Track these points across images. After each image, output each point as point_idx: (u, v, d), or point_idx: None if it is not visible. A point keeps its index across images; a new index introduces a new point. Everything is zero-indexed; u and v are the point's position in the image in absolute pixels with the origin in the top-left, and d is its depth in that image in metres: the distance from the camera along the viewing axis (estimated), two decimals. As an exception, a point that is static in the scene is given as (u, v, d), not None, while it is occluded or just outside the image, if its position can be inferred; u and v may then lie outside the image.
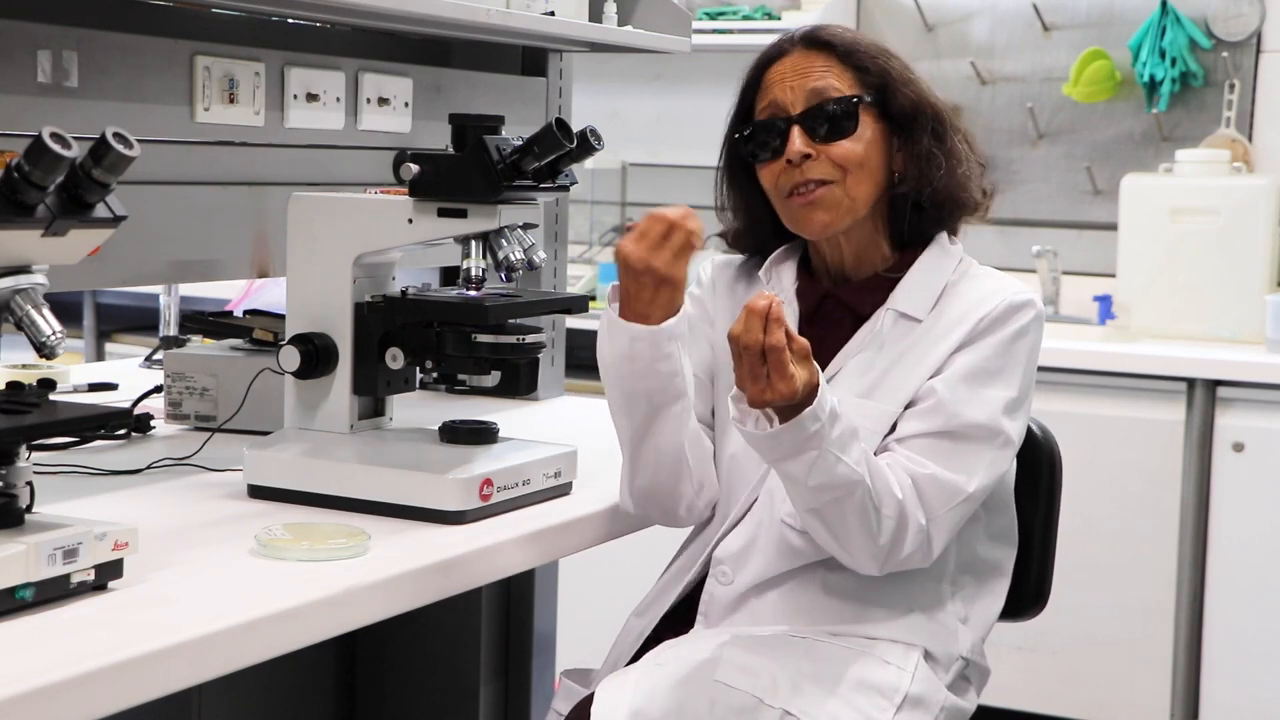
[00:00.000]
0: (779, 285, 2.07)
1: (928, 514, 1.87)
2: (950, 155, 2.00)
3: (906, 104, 1.99)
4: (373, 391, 2.01)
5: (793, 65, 2.00)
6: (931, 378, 1.93)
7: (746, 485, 1.99)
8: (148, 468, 2.12)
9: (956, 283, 2.00)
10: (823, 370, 1.97)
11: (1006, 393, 1.93)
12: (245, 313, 2.62)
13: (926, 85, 2.02)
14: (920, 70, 2.06)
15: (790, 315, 2.04)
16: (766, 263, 2.10)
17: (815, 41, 2.00)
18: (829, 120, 1.96)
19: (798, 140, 1.96)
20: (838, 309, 2.03)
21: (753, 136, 2.00)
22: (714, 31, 4.53)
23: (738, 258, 2.16)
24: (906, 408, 1.93)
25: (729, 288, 2.12)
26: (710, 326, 2.10)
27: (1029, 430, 2.18)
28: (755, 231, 2.11)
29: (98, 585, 1.52)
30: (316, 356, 1.97)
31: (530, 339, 1.97)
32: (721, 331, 2.07)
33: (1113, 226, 4.17)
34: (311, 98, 2.37)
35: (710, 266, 2.16)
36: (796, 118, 1.97)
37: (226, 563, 1.68)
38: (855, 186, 1.97)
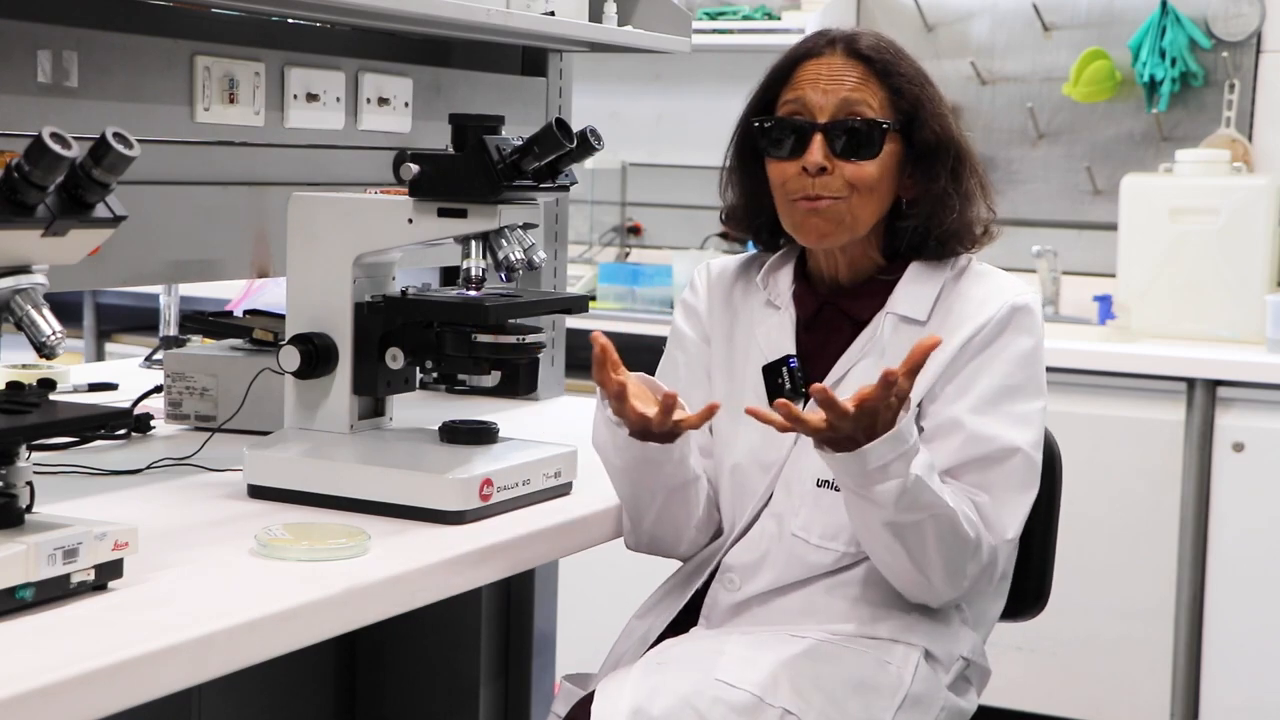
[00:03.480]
0: (776, 291, 2.06)
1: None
2: (965, 197, 1.99)
3: (931, 137, 1.97)
4: (373, 391, 2.01)
5: (829, 69, 1.97)
6: (938, 380, 1.92)
7: (752, 496, 2.00)
8: (148, 468, 2.12)
9: (955, 281, 2.00)
10: (824, 377, 1.97)
11: (1034, 404, 1.95)
12: (245, 313, 2.62)
13: (954, 120, 2.00)
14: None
15: (788, 321, 2.04)
16: (763, 269, 2.09)
17: (856, 52, 1.97)
18: (853, 138, 1.94)
19: (818, 151, 1.94)
20: (835, 315, 2.03)
21: (772, 129, 1.98)
22: (714, 31, 4.53)
23: (733, 262, 2.15)
24: (918, 421, 1.92)
25: (725, 296, 2.11)
26: (707, 344, 2.10)
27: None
28: (753, 215, 2.10)
29: (98, 585, 1.52)
30: (316, 356, 1.97)
31: (530, 339, 1.97)
32: (719, 345, 2.07)
33: (1113, 226, 4.17)
34: (311, 98, 2.37)
35: (706, 273, 2.15)
36: (822, 126, 1.95)
37: (226, 563, 1.68)
38: (861, 207, 1.96)
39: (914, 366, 1.70)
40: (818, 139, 1.95)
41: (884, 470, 1.74)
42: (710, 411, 1.84)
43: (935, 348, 1.72)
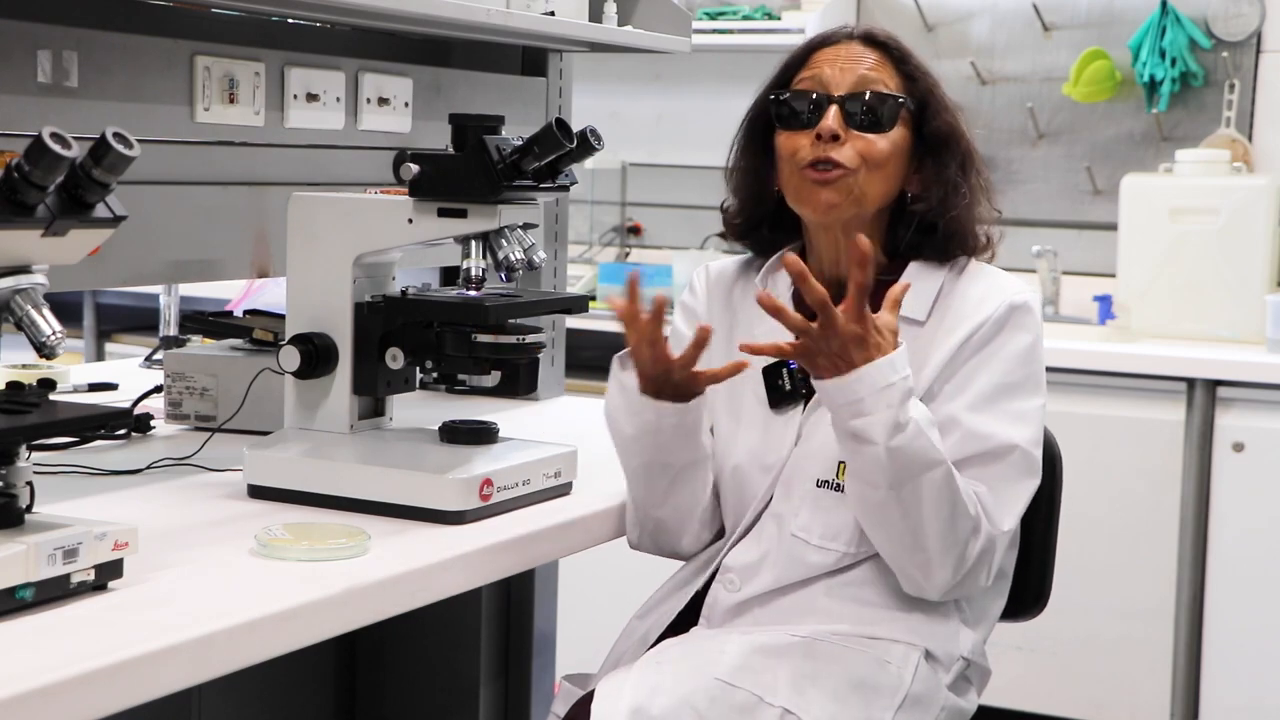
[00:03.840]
0: (775, 292, 2.06)
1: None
2: (971, 192, 2.01)
3: (943, 127, 2.00)
4: (373, 391, 2.01)
5: (846, 52, 2.01)
6: (937, 379, 1.93)
7: (753, 497, 2.00)
8: (148, 468, 2.12)
9: (954, 280, 2.00)
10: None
11: (1033, 401, 1.94)
12: (245, 313, 2.62)
13: (963, 118, 2.03)
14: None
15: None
16: (763, 270, 2.09)
17: (872, 39, 2.03)
18: (869, 110, 1.97)
19: (833, 119, 1.96)
20: (834, 315, 2.03)
21: (789, 100, 2.00)
22: (714, 31, 4.53)
23: (731, 263, 2.16)
24: None
25: (724, 296, 2.11)
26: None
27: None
28: (754, 208, 2.10)
29: (98, 585, 1.52)
30: (316, 356, 1.97)
31: (530, 339, 1.97)
32: (719, 346, 2.07)
33: (1113, 226, 4.17)
34: (311, 98, 2.37)
35: (704, 274, 2.15)
36: (839, 97, 1.98)
37: (226, 563, 1.68)
38: (869, 183, 1.97)
39: (894, 302, 1.82)
40: (833, 109, 1.97)
41: (860, 404, 1.77)
42: (738, 368, 1.87)
43: (907, 290, 1.84)
